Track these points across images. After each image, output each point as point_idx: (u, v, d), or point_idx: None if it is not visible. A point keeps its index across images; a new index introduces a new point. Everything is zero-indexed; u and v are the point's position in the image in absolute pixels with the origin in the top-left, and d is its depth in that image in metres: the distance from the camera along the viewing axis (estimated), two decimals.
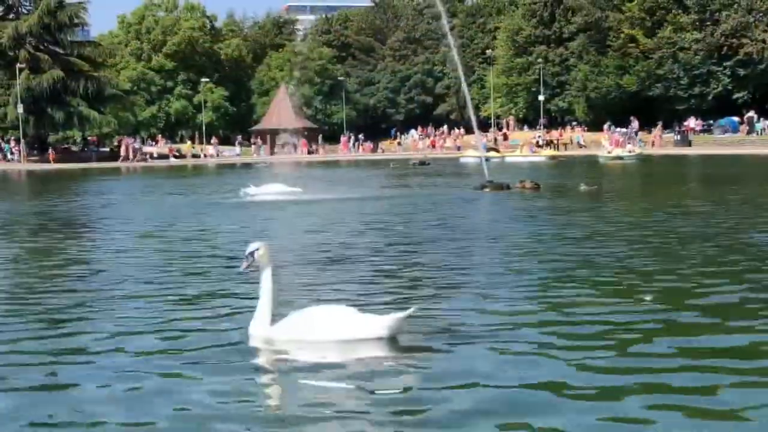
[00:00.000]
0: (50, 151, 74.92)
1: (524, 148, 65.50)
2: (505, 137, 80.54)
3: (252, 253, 6.85)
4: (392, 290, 8.95)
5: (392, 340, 6.58)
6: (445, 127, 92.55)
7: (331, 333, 6.61)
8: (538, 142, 72.79)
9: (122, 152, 76.34)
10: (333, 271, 10.58)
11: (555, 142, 76.56)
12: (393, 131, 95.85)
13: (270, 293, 6.78)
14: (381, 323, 6.60)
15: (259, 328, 6.79)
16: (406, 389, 5.60)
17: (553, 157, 57.71)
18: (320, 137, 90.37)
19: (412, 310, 6.62)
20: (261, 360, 6.54)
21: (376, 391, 5.58)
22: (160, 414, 5.31)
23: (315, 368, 6.20)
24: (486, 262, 10.87)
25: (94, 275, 10.97)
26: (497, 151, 61.04)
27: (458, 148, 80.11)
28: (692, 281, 9.12)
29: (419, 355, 6.35)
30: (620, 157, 51.88)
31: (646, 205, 20.93)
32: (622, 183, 31.60)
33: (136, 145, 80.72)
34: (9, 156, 74.93)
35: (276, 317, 6.80)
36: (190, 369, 6.21)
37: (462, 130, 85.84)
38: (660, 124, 74.20)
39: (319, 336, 6.62)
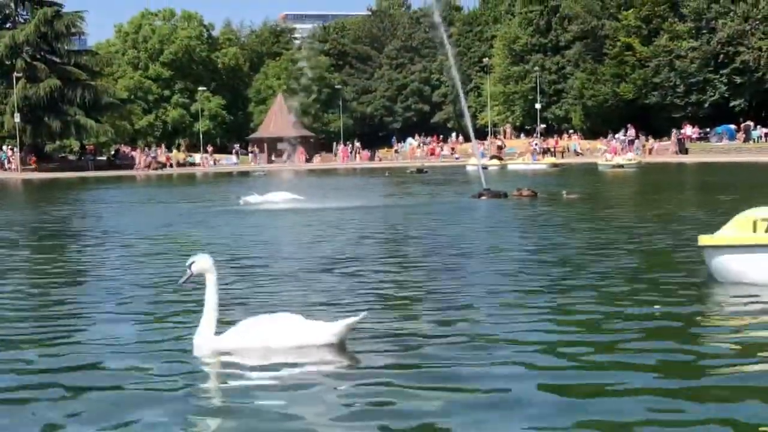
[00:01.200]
0: (31, 156, 74.83)
1: (526, 156, 65.50)
2: (499, 148, 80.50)
3: (190, 266, 6.85)
4: (355, 299, 8.90)
5: (341, 346, 6.56)
6: (436, 136, 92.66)
7: (280, 340, 6.56)
8: (535, 149, 72.73)
9: (139, 161, 77.23)
10: (311, 279, 10.54)
11: (552, 150, 76.61)
12: (393, 139, 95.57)
13: (213, 303, 6.74)
14: (329, 330, 6.57)
15: (203, 338, 6.75)
16: (352, 395, 5.57)
17: (554, 165, 57.65)
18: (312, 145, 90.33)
19: (360, 317, 6.59)
20: (204, 369, 6.48)
21: (322, 397, 5.57)
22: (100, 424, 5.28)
23: (262, 375, 6.17)
24: (461, 272, 10.83)
25: (79, 286, 10.92)
26: (500, 159, 61.00)
27: (456, 158, 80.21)
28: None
29: (366, 361, 6.34)
30: (620, 165, 51.65)
31: (638, 213, 20.88)
32: (623, 191, 31.52)
33: (153, 154, 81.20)
34: (6, 165, 74.84)
35: (226, 326, 6.78)
36: (132, 378, 6.17)
37: (461, 138, 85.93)
38: (645, 135, 74.28)
39: (267, 343, 6.57)
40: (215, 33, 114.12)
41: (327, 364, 6.29)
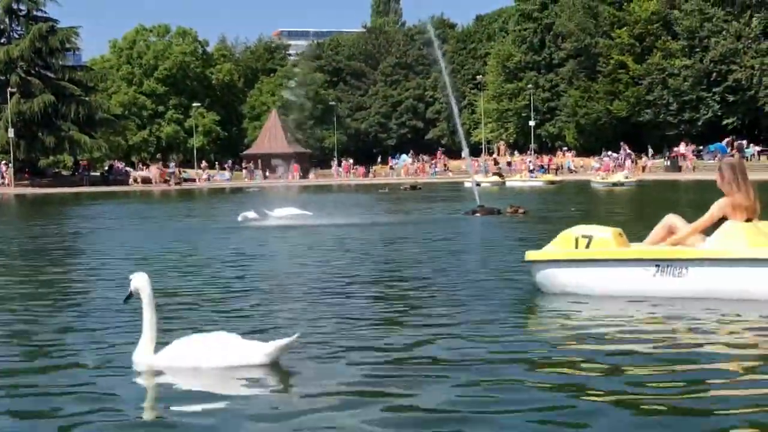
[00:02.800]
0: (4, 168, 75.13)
1: (524, 173, 65.65)
2: (496, 162, 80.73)
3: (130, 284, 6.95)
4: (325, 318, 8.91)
5: (275, 366, 6.55)
6: (439, 153, 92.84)
7: (212, 360, 6.56)
8: (529, 166, 72.96)
9: (154, 177, 78.41)
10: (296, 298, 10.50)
11: (546, 167, 76.85)
12: (396, 155, 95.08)
13: (147, 321, 6.77)
14: (261, 350, 6.56)
15: (140, 356, 6.78)
16: (280, 416, 5.56)
17: (551, 182, 57.71)
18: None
19: (293, 338, 6.60)
20: (133, 386, 6.48)
21: (244, 417, 5.54)
22: None
23: (191, 395, 6.18)
24: (436, 290, 10.83)
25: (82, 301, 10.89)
26: (501, 176, 61.06)
27: (448, 171, 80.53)
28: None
29: (298, 380, 6.34)
30: (621, 183, 50.86)
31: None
32: (630, 210, 31.42)
33: (172, 170, 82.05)
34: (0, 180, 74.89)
35: (163, 344, 6.81)
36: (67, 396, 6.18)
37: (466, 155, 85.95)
38: (636, 153, 74.59)
39: (199, 363, 6.57)
40: (210, 49, 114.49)
41: (255, 384, 6.27)
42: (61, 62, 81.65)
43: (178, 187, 73.38)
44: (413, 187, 53.98)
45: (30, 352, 7.68)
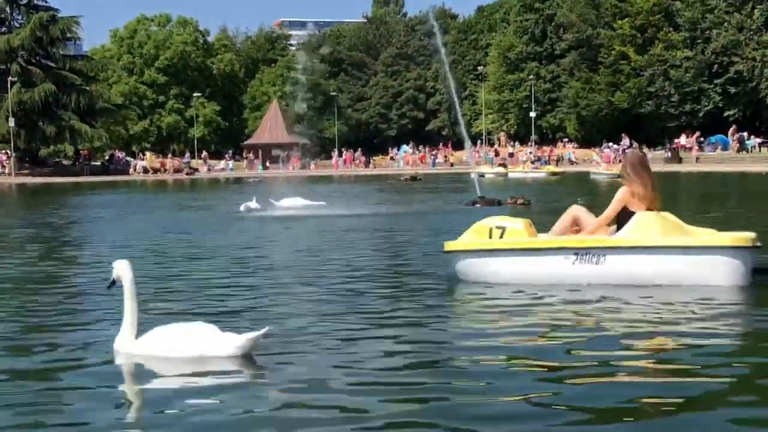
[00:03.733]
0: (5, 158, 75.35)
1: (527, 164, 65.63)
2: (497, 153, 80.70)
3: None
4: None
5: (247, 358, 6.62)
6: (444, 144, 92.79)
7: (184, 350, 6.65)
8: (529, 157, 72.89)
9: (168, 166, 79.35)
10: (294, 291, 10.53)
11: (546, 158, 76.76)
12: (401, 147, 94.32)
13: (128, 307, 6.87)
14: (233, 342, 6.63)
15: (121, 343, 6.89)
16: (245, 406, 5.59)
17: (553, 173, 57.56)
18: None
19: (263, 331, 6.66)
20: (111, 371, 6.57)
21: (214, 407, 5.60)
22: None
23: (157, 382, 6.30)
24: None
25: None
26: (505, 166, 61.01)
27: (451, 164, 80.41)
28: None
29: (269, 372, 6.41)
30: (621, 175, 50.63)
31: None
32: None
33: (186, 159, 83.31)
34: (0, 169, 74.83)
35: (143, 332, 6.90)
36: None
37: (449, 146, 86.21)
38: (633, 144, 74.44)
39: (172, 352, 6.67)
40: (211, 39, 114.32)
41: (224, 374, 6.33)
42: (61, 51, 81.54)
43: (190, 177, 73.57)
44: (413, 178, 53.95)
45: (15, 333, 7.86)
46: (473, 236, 10.54)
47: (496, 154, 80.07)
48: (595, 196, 31.54)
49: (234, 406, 5.54)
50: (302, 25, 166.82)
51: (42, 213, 29.22)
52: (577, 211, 10.36)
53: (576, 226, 10.31)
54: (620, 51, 78.89)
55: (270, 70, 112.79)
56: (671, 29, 77.54)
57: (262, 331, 6.66)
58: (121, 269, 6.94)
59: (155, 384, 6.28)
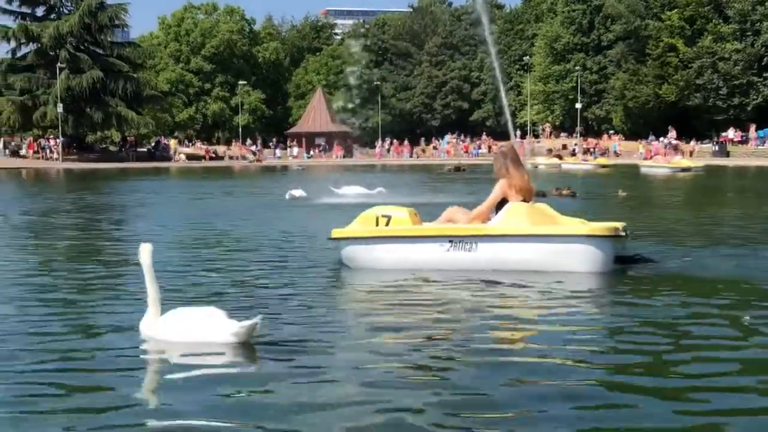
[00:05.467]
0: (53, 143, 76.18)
1: (578, 155, 64.79)
2: (550, 150, 79.93)
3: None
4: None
5: (246, 346, 6.70)
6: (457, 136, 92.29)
7: (182, 334, 6.78)
8: (574, 150, 72.21)
9: (238, 153, 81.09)
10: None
11: (592, 150, 75.96)
12: (444, 136, 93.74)
13: (151, 290, 7.00)
14: (228, 329, 6.69)
15: (142, 324, 7.05)
16: (235, 392, 5.66)
17: (603, 166, 56.30)
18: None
19: (255, 320, 6.69)
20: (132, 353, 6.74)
21: (203, 394, 5.64)
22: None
23: (150, 366, 6.50)
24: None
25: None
26: (560, 158, 60.33)
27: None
28: None
29: (261, 362, 6.48)
30: (688, 169, 47.11)
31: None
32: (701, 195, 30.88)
33: (258, 147, 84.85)
34: (48, 154, 75.78)
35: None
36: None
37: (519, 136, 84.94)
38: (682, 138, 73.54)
39: (173, 336, 6.81)
40: (256, 27, 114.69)
41: (221, 361, 6.43)
42: (109, 38, 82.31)
43: (259, 164, 74.24)
44: (457, 169, 53.66)
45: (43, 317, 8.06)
46: (361, 224, 10.99)
47: (550, 151, 79.37)
48: (640, 190, 31.19)
49: (208, 391, 5.63)
50: (348, 14, 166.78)
51: (97, 194, 29.56)
52: (452, 212, 10.85)
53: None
54: (668, 43, 77.81)
55: (315, 59, 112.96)
56: (720, 21, 76.40)
57: (255, 320, 6.69)
58: (141, 253, 7.06)
59: (142, 367, 6.43)
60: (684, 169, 47.18)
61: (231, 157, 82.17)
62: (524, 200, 10.62)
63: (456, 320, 7.84)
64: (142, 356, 6.69)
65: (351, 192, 26.31)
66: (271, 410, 5.25)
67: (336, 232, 11.19)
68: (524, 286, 9.39)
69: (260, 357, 6.52)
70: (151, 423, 5.11)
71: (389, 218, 10.80)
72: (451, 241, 10.41)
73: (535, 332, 7.42)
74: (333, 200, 24.74)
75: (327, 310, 8.31)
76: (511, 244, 10.22)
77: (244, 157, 79.77)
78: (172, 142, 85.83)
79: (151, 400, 5.61)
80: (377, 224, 10.81)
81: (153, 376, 6.23)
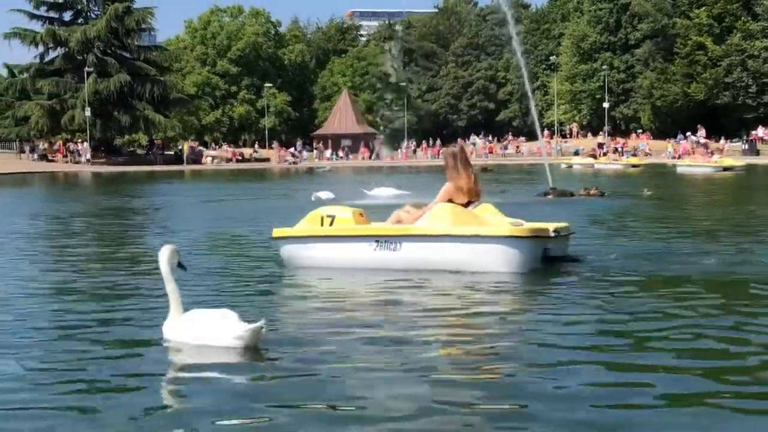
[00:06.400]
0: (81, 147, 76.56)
1: (609, 155, 64.21)
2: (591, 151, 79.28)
3: None
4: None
5: (253, 349, 6.71)
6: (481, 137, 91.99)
7: (189, 336, 6.82)
8: (602, 149, 71.63)
9: (277, 156, 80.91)
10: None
11: (620, 149, 75.38)
12: (470, 136, 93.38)
13: (170, 291, 7.06)
14: (232, 332, 6.66)
15: (167, 322, 7.11)
16: (240, 392, 5.70)
17: (635, 165, 55.62)
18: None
19: (259, 323, 6.65)
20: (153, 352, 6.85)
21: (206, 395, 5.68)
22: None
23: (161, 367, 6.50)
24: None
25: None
26: (595, 157, 59.87)
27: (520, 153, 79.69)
28: None
29: (267, 363, 6.48)
30: (730, 168, 45.11)
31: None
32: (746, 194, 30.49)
33: (299, 149, 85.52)
34: (77, 158, 76.23)
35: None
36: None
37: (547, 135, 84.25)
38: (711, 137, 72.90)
39: (182, 338, 6.87)
40: (282, 30, 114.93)
41: (223, 362, 6.46)
42: (136, 42, 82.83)
43: (295, 166, 74.23)
44: (484, 169, 53.39)
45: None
46: (307, 224, 11.21)
47: (576, 153, 78.87)
48: (667, 188, 30.87)
49: (211, 394, 5.68)
50: (373, 15, 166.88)
51: (124, 197, 29.69)
52: (398, 214, 11.06)
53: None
54: (697, 41, 77.16)
55: (340, 61, 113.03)
56: (749, 18, 75.70)
57: (259, 323, 6.65)
58: (159, 255, 7.13)
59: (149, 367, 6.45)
60: (726, 168, 45.33)
61: (226, 159, 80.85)
62: (470, 201, 10.86)
63: (357, 318, 7.99)
64: (152, 357, 6.72)
65: (383, 193, 26.10)
66: (278, 413, 5.24)
67: (276, 232, 11.50)
68: (438, 286, 9.63)
69: (267, 359, 6.54)
70: (152, 424, 5.11)
71: (333, 218, 11.05)
72: (377, 241, 10.69)
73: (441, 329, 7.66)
74: (362, 202, 24.56)
75: (333, 313, 8.34)
76: (432, 244, 10.46)
77: (286, 159, 79.82)
78: (185, 146, 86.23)
79: (153, 400, 5.60)
80: (322, 224, 11.04)
81: (157, 377, 6.23)
